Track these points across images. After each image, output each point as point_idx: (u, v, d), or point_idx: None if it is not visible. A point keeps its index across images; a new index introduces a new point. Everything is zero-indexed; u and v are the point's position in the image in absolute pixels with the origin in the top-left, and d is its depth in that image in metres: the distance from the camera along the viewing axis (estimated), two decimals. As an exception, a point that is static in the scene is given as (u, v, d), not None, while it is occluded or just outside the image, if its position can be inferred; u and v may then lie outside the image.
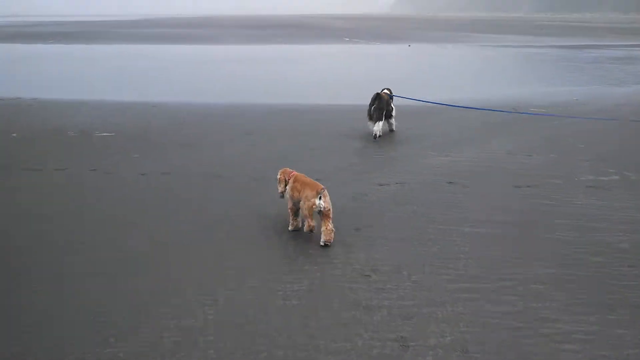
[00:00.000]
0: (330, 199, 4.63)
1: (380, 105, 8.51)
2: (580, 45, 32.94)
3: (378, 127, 8.54)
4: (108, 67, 20.86)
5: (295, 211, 4.85)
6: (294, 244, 4.73)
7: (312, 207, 4.53)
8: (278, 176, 4.97)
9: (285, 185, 4.89)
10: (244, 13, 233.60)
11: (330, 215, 4.56)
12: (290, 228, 4.92)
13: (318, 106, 11.85)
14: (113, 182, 6.58)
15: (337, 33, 47.06)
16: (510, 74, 19.68)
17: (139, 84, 16.38)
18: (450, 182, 6.39)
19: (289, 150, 8.05)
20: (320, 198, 4.50)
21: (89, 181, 6.61)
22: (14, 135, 9.10)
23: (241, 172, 6.89)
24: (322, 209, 4.52)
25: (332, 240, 4.57)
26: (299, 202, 4.72)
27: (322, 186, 4.62)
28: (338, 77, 18.04)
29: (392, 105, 8.95)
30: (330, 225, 4.55)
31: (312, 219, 4.62)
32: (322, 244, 4.57)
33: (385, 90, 9.02)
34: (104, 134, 9.05)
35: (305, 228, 4.69)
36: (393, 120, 9.09)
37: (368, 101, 8.68)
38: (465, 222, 5.17)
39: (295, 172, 4.92)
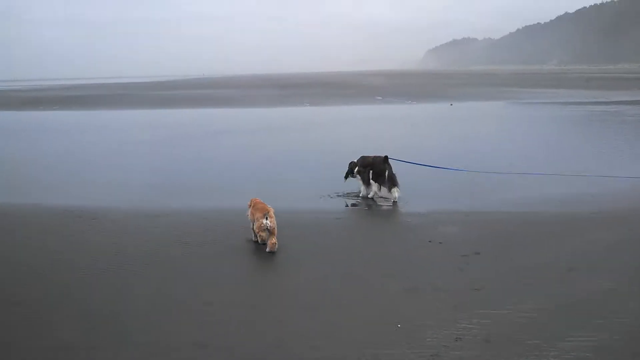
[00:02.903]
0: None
1: (392, 170, 8.18)
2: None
3: (399, 192, 8.10)
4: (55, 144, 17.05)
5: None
6: None
7: (260, 225, 5.83)
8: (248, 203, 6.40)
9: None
10: (267, 72, 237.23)
11: (275, 233, 5.84)
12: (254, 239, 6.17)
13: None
14: None
15: (368, 91, 43.29)
16: (616, 144, 14.58)
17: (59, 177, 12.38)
18: None
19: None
20: (266, 218, 5.80)
21: None
22: None
23: None
24: (268, 228, 5.79)
25: (274, 249, 5.79)
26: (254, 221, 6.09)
27: (270, 208, 5.95)
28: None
29: None
30: (274, 239, 5.81)
31: (263, 233, 5.89)
32: (267, 251, 5.81)
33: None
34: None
35: (259, 240, 5.97)
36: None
37: None
38: None
39: (256, 200, 6.27)
